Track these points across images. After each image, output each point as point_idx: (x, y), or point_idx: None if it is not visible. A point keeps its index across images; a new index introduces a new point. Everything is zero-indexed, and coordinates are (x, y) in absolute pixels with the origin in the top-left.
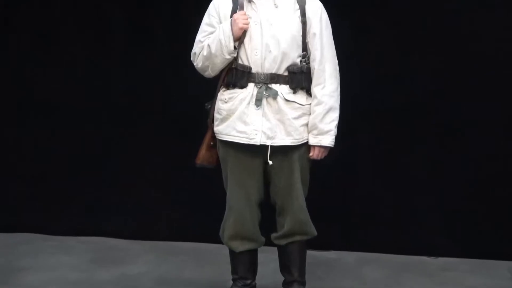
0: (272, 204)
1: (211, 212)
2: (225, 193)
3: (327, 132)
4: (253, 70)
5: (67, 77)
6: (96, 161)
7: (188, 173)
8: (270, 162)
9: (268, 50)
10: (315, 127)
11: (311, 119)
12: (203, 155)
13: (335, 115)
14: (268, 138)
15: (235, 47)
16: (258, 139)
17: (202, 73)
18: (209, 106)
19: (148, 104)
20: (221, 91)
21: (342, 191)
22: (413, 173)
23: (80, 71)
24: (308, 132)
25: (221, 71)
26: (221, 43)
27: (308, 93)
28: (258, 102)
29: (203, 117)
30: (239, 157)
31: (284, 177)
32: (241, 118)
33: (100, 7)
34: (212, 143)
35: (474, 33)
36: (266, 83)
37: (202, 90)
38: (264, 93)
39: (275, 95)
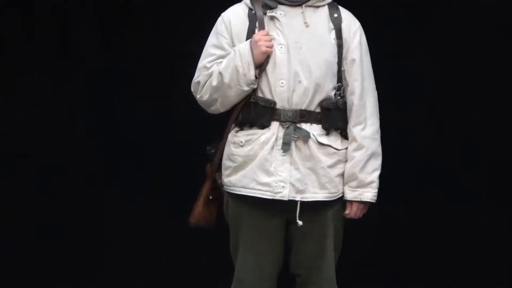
0: (292, 275)
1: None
2: (230, 262)
3: (368, 184)
4: (278, 106)
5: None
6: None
7: (178, 236)
8: (300, 223)
9: (297, 80)
10: (354, 177)
11: (349, 168)
12: (199, 213)
13: (377, 163)
14: (298, 192)
15: (256, 77)
16: (286, 194)
17: (206, 107)
18: (212, 151)
19: (125, 148)
20: (232, 132)
21: (380, 258)
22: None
23: (38, 107)
24: (344, 184)
25: (233, 106)
26: (237, 71)
27: (342, 134)
28: (286, 146)
29: (197, 163)
30: (255, 216)
31: (314, 242)
32: (263, 167)
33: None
34: (211, 196)
35: None
36: (294, 122)
37: (194, 129)
38: (293, 134)
39: (306, 137)
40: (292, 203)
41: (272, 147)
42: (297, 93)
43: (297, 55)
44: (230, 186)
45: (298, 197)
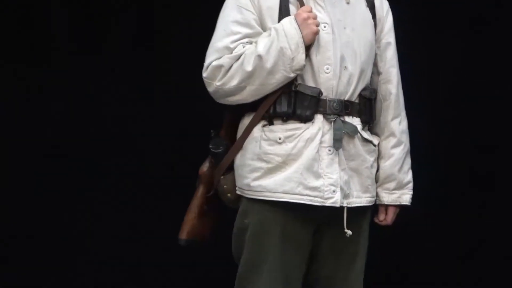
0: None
1: None
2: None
3: (406, 185)
4: (323, 95)
5: None
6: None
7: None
8: (349, 232)
9: (343, 65)
10: (392, 178)
11: (388, 167)
12: (193, 226)
13: (410, 160)
14: (345, 196)
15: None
16: (337, 199)
17: (224, 97)
18: (219, 150)
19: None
20: (259, 127)
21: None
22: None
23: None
24: (378, 186)
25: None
26: (284, 54)
27: (370, 128)
28: (338, 143)
29: (179, 169)
30: (286, 226)
31: (347, 255)
32: (311, 168)
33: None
34: (206, 206)
35: None
36: (339, 115)
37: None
38: (343, 130)
39: (354, 132)
40: (327, 209)
41: (318, 145)
42: (342, 81)
43: (342, 36)
44: (261, 191)
45: (345, 203)
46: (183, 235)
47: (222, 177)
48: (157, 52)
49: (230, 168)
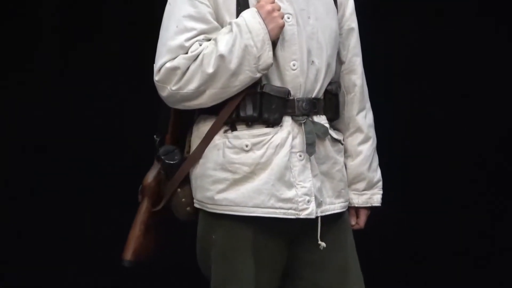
0: None
1: None
2: None
3: (376, 184)
4: (291, 95)
5: None
6: None
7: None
8: (323, 245)
9: (310, 60)
10: (362, 177)
11: (357, 166)
12: (140, 245)
13: (377, 157)
14: (318, 204)
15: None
16: (312, 210)
17: (181, 102)
18: (175, 161)
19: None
20: (220, 133)
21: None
22: None
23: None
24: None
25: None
26: (249, 53)
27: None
28: (312, 148)
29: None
30: (258, 241)
31: (336, 267)
32: (283, 178)
33: None
34: (151, 221)
35: None
36: (308, 116)
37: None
38: (314, 132)
39: (325, 134)
40: (302, 221)
41: (289, 151)
42: (309, 78)
43: (306, 27)
44: (228, 205)
45: (318, 212)
46: (128, 255)
47: (179, 189)
48: None
49: (185, 179)
